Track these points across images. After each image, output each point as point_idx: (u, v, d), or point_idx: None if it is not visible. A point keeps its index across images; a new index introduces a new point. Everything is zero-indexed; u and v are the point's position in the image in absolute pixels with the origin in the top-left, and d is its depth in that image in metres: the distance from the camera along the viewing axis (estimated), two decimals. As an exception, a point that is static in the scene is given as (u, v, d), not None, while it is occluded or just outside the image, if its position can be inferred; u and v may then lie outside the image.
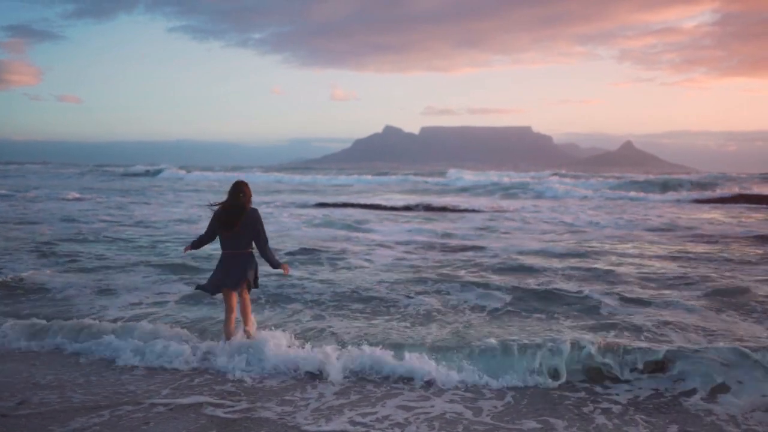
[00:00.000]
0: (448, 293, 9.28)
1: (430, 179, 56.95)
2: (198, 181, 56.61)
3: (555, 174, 61.25)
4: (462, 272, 10.93)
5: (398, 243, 14.75)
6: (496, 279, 10.23)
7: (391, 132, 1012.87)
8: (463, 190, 44.51)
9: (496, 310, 8.39)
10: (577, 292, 9.21)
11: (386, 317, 8.00)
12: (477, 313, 8.23)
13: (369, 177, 62.32)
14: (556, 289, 9.44)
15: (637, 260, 12.40)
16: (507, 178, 54.45)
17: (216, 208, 6.54)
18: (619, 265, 11.83)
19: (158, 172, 71.26)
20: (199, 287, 6.68)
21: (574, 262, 12.15)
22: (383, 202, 29.72)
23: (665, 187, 40.80)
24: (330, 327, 7.50)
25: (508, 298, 8.94)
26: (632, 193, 37.12)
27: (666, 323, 7.58)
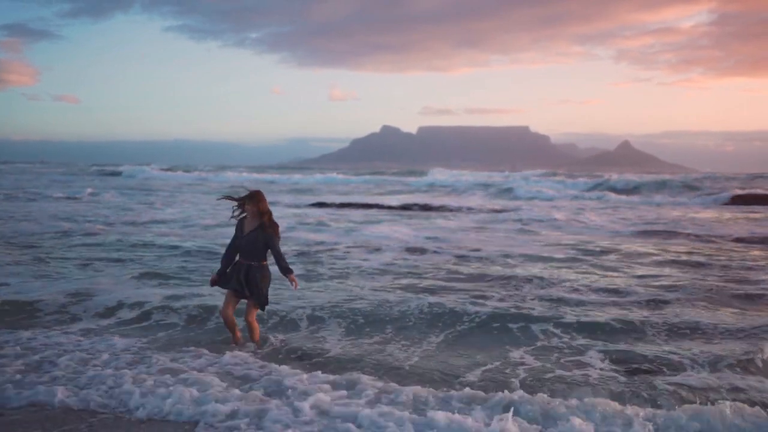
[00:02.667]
0: (450, 302, 8.88)
1: (416, 179, 56.78)
2: (168, 180, 56.09)
3: (546, 174, 61.13)
4: (462, 278, 10.72)
5: (396, 244, 14.54)
6: (501, 288, 9.91)
7: (388, 132, 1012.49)
8: (452, 190, 44.36)
9: (498, 326, 7.90)
10: (597, 306, 8.55)
11: (395, 333, 7.51)
12: (490, 332, 7.74)
13: (352, 177, 62.31)
14: (564, 298, 8.88)
15: (647, 267, 12.01)
16: (499, 177, 54.37)
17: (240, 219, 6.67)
18: (627, 268, 11.61)
19: (134, 172, 68.28)
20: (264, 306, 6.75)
21: (579, 266, 11.94)
22: (380, 202, 29.64)
23: (664, 187, 40.69)
24: (332, 348, 7.17)
25: (510, 311, 8.42)
26: (630, 197, 36.90)
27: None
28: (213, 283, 6.66)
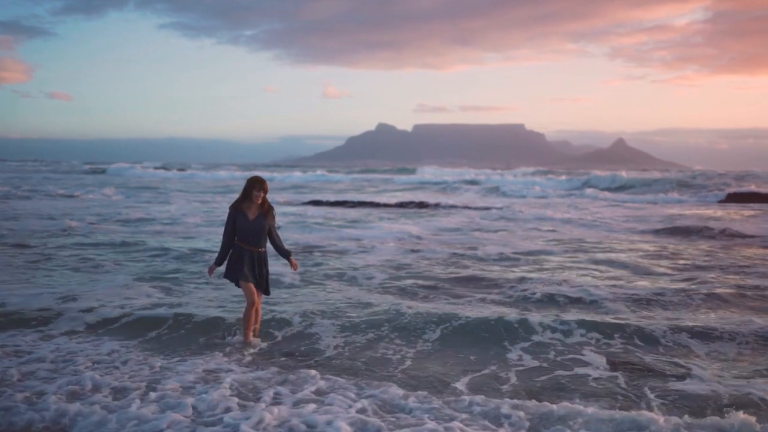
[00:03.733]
0: (448, 301, 8.79)
1: (407, 176, 56.84)
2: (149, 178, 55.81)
3: (541, 171, 61.27)
4: (460, 277, 10.57)
5: (392, 243, 14.41)
6: (499, 287, 9.77)
7: (384, 129, 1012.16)
8: (444, 187, 44.42)
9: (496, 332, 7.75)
10: (597, 306, 8.41)
11: (398, 341, 7.19)
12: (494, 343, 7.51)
13: (341, 174, 62.40)
14: (563, 297, 8.74)
15: (648, 265, 11.85)
16: (491, 175, 54.55)
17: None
18: (627, 267, 11.46)
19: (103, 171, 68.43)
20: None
21: (578, 264, 11.79)
22: (376, 200, 29.54)
23: (658, 185, 40.71)
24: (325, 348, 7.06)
25: (508, 310, 8.27)
26: (625, 194, 36.82)
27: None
28: (212, 272, 6.58)
